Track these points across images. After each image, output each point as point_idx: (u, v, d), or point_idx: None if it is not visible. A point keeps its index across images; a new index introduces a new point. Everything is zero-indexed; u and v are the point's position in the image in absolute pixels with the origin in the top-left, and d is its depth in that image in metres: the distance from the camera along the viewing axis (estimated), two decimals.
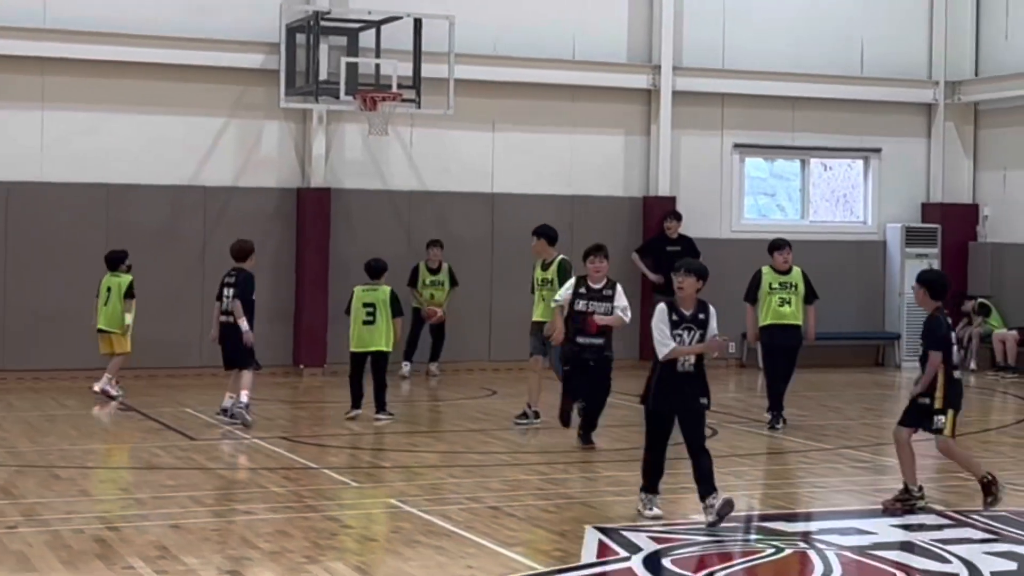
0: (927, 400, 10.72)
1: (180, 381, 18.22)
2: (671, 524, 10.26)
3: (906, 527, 10.19)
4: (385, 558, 9.37)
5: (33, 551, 9.10)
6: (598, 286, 13.04)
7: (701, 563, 9.12)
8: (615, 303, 13.02)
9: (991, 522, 10.40)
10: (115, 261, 16.68)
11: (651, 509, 10.19)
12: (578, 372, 13.25)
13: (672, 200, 21.29)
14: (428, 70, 18.66)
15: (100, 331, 16.54)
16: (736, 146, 22.06)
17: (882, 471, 12.73)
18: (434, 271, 19.42)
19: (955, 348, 10.75)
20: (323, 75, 18.58)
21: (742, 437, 14.55)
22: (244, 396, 14.35)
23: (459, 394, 18.03)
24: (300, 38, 18.83)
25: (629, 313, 13.15)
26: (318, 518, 10.31)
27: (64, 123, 18.66)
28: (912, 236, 22.60)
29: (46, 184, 18.55)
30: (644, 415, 10.17)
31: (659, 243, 20.86)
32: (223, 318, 14.54)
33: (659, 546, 9.47)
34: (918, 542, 9.70)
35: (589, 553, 9.31)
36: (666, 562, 9.07)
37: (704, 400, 9.98)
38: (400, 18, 18.65)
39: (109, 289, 16.50)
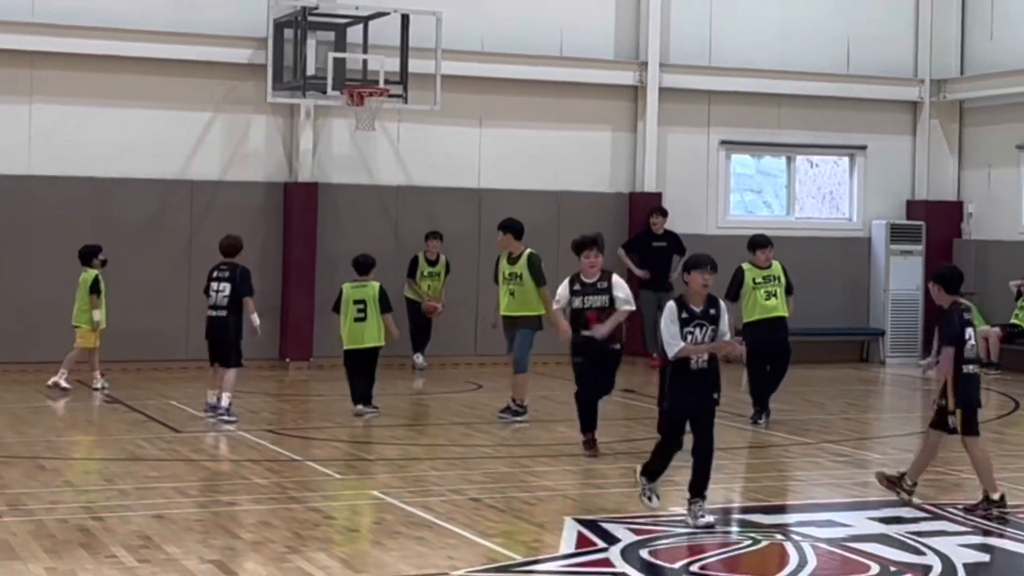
0: (943, 401, 10.65)
1: (166, 374, 18.30)
2: (651, 516, 10.36)
3: (883, 520, 10.29)
4: (367, 549, 9.47)
5: (17, 540, 9.19)
6: (592, 280, 12.68)
7: (678, 554, 9.22)
8: (614, 294, 12.66)
9: (970, 516, 10.49)
10: (86, 256, 16.67)
11: (651, 499, 10.17)
12: (590, 364, 12.87)
13: (658, 196, 21.39)
14: (415, 66, 18.74)
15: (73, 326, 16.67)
16: (722, 143, 22.16)
17: (861, 465, 12.84)
18: (432, 263, 19.51)
19: (969, 343, 10.58)
20: (310, 70, 18.65)
21: (724, 432, 14.46)
22: (226, 399, 14.30)
23: (444, 388, 18.12)
24: (288, 33, 18.90)
25: (631, 303, 12.83)
26: (301, 509, 10.40)
27: (52, 117, 18.74)
28: (897, 233, 22.73)
29: (34, 177, 18.62)
30: (660, 415, 10.03)
31: (645, 239, 20.97)
32: (213, 312, 14.49)
33: (637, 537, 9.57)
34: (894, 534, 9.79)
35: (568, 544, 9.40)
36: (643, 553, 9.16)
37: (716, 395, 9.88)
38: (387, 14, 18.73)
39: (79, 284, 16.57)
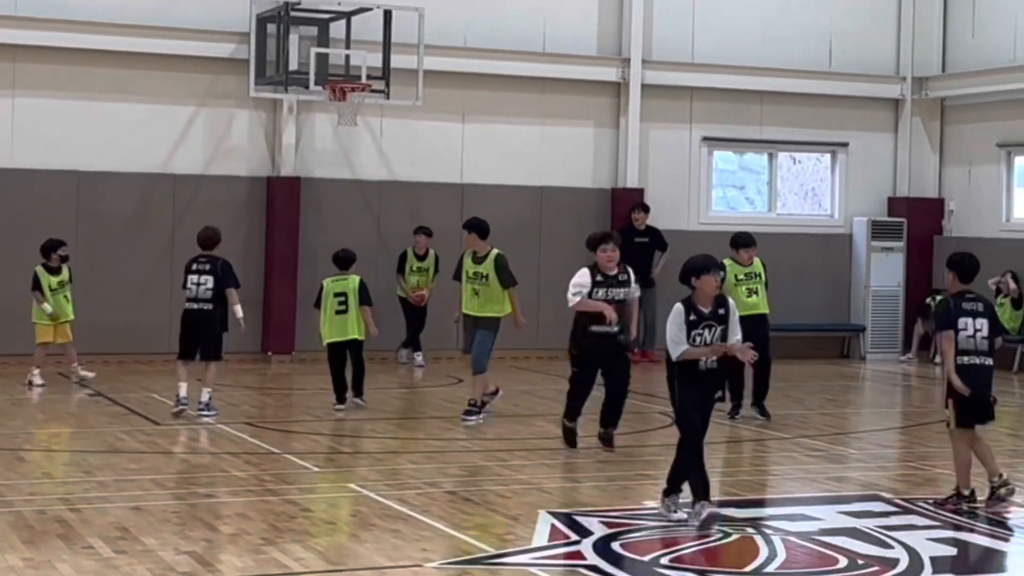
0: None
1: (148, 367, 18.34)
2: (625, 509, 10.47)
3: (854, 514, 10.39)
4: (341, 540, 9.57)
5: None
6: (613, 273, 12.44)
7: (649, 547, 9.32)
8: (632, 287, 12.57)
9: (939, 511, 10.60)
10: (44, 251, 16.60)
11: (675, 511, 9.89)
12: (590, 367, 12.59)
13: (640, 192, 21.49)
14: (398, 61, 18.83)
15: None
16: (704, 139, 22.26)
17: (836, 460, 12.94)
18: (421, 258, 19.52)
19: (963, 334, 10.37)
20: (293, 65, 18.72)
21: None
22: (207, 394, 14.26)
23: (426, 382, 18.22)
24: (271, 28, 18.97)
25: (638, 289, 12.87)
26: (278, 502, 10.48)
27: (35, 110, 18.78)
28: (878, 230, 22.85)
29: (16, 171, 18.66)
30: (676, 419, 9.95)
31: (627, 234, 20.94)
32: (194, 305, 14.29)
33: (610, 531, 9.66)
34: (863, 528, 9.90)
35: (540, 537, 9.50)
36: (615, 546, 9.26)
37: (719, 394, 9.90)
38: (370, 9, 18.81)
39: None
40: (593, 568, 8.69)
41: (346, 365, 14.97)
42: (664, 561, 8.93)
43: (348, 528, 9.97)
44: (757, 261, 15.32)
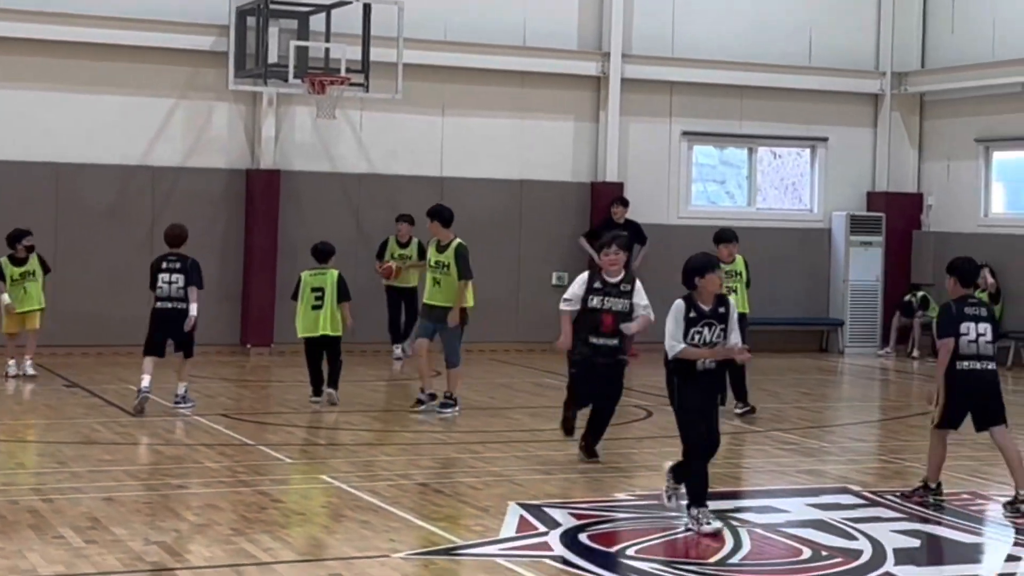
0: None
1: (127, 359, 18.31)
2: (595, 502, 10.55)
3: (821, 506, 10.48)
4: (310, 531, 9.64)
5: None
6: (615, 280, 11.59)
7: (616, 538, 9.40)
8: (635, 300, 11.62)
9: (906, 503, 10.69)
10: (9, 241, 16.51)
11: (709, 523, 9.46)
12: (585, 377, 11.89)
13: (620, 186, 21.56)
14: (378, 55, 18.87)
15: None
16: (684, 133, 22.34)
17: (807, 453, 13.03)
18: (403, 245, 19.49)
19: (966, 339, 10.27)
20: (273, 58, 18.75)
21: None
22: (183, 387, 14.28)
23: (404, 375, 18.27)
24: (251, 21, 19.01)
25: (651, 312, 11.71)
26: (249, 492, 10.54)
27: (14, 102, 18.81)
28: (857, 224, 22.95)
29: None
30: (677, 420, 9.76)
31: (606, 228, 21.08)
32: (168, 304, 14.19)
33: (578, 522, 9.74)
34: (829, 520, 9.98)
35: (509, 528, 9.56)
36: (582, 537, 9.33)
37: (720, 395, 9.74)
38: (350, 2, 18.85)
39: None
40: (559, 559, 8.75)
41: (323, 359, 14.95)
42: (630, 552, 9.00)
43: (318, 519, 10.04)
44: (739, 259, 15.27)
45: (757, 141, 22.94)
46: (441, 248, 14.41)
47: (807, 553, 9.03)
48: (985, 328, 10.34)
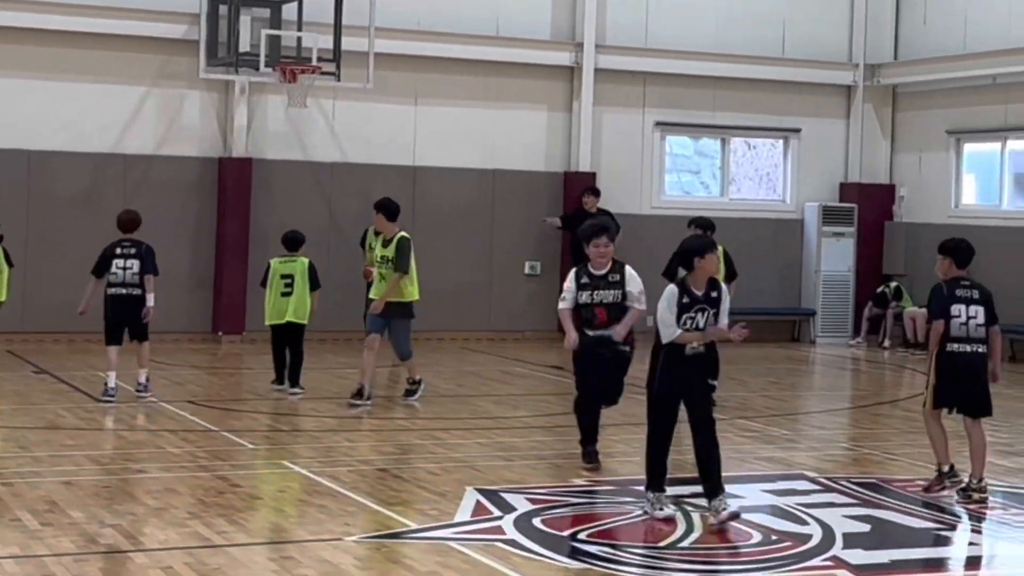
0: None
1: (97, 347, 18.21)
2: (552, 487, 10.63)
3: (776, 492, 10.58)
4: (266, 515, 9.73)
5: None
6: (602, 272, 11.04)
7: (569, 523, 9.49)
8: (628, 288, 11.04)
9: (859, 489, 10.81)
10: None
11: (661, 509, 9.52)
12: (589, 366, 11.26)
13: (592, 176, 21.63)
14: (350, 44, 18.92)
15: None
16: (657, 124, 22.41)
17: (768, 441, 13.11)
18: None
19: (959, 320, 10.21)
20: (245, 47, 18.78)
21: (639, 407, 14.80)
22: (144, 374, 14.14)
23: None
24: (223, 9, 19.03)
25: (644, 299, 11.10)
26: (209, 477, 10.61)
27: None
28: (829, 215, 23.05)
29: None
30: (648, 402, 9.65)
31: (578, 217, 21.17)
32: (122, 290, 14.02)
33: (533, 507, 9.82)
34: (783, 506, 10.09)
35: (464, 513, 9.65)
36: (536, 521, 9.41)
37: (713, 381, 9.51)
38: None
39: None
40: (511, 543, 8.83)
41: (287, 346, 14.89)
42: (582, 536, 9.09)
43: (274, 503, 10.13)
44: (719, 250, 15.12)
45: (730, 132, 23.02)
46: (386, 242, 14.22)
47: (757, 537, 9.13)
48: (976, 311, 10.21)
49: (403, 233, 14.27)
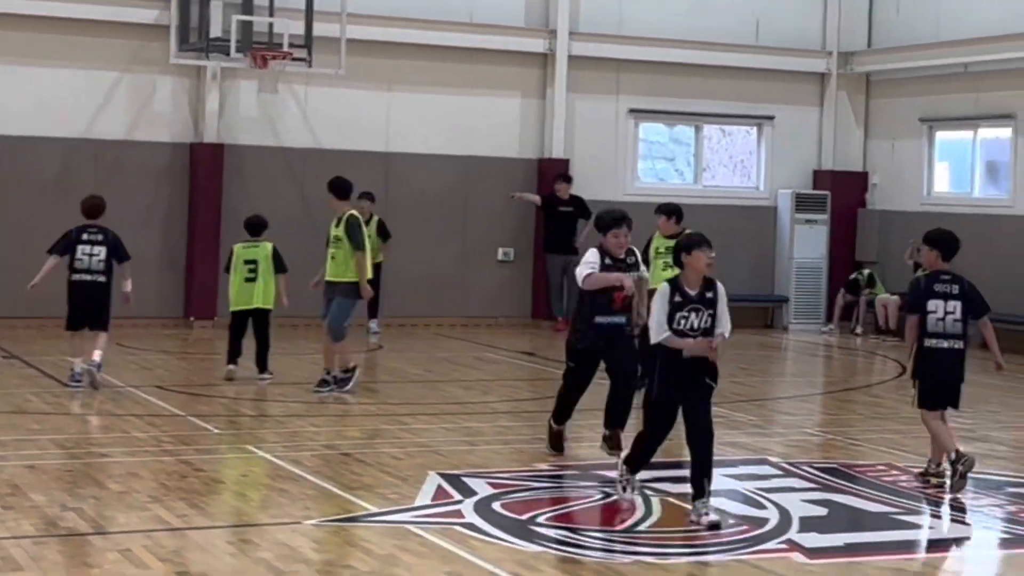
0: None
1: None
2: (514, 472, 10.68)
3: (737, 477, 10.65)
4: (227, 499, 9.78)
5: None
6: (622, 256, 11.02)
7: (528, 506, 9.52)
8: (640, 272, 11.24)
9: (819, 473, 10.89)
10: None
11: (631, 492, 9.60)
12: (585, 372, 11.23)
13: (566, 162, 21.68)
14: (322, 30, 18.95)
15: None
16: (631, 111, 22.45)
17: (733, 426, 13.16)
18: (365, 222, 19.51)
19: (934, 316, 10.16)
20: (216, 32, 18.78)
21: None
22: (99, 355, 13.86)
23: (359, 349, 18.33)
24: None
25: (647, 274, 11.58)
26: (172, 461, 10.65)
27: None
28: (802, 202, 23.13)
29: None
30: (644, 405, 9.41)
31: (551, 204, 21.28)
32: (87, 277, 13.92)
33: (494, 491, 9.88)
34: (742, 490, 10.17)
35: (424, 497, 9.70)
36: (496, 505, 9.47)
37: (711, 382, 9.25)
38: None
39: None
40: (469, 526, 8.89)
41: (245, 334, 14.76)
42: (541, 520, 9.14)
43: (236, 487, 10.18)
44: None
45: (703, 119, 23.07)
46: (338, 222, 14.06)
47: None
48: (954, 306, 10.12)
49: (351, 211, 14.09)
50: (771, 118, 23.30)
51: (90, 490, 9.60)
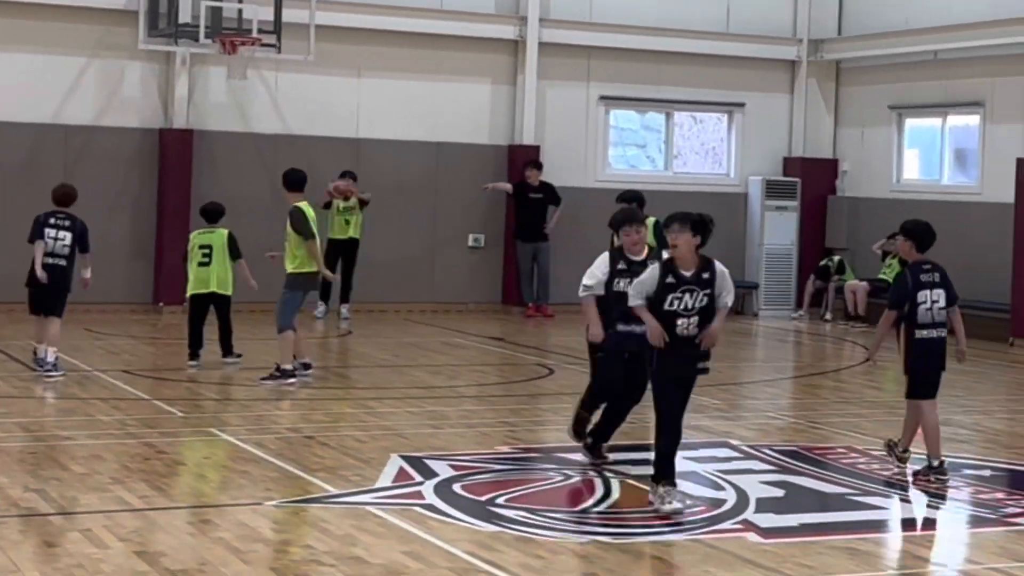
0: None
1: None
2: (477, 454, 10.75)
3: (698, 459, 10.72)
4: (188, 480, 9.83)
5: None
6: (640, 258, 10.17)
7: (488, 488, 9.59)
8: None
9: (779, 456, 10.98)
10: None
11: (671, 503, 8.95)
12: (614, 361, 10.32)
13: (536, 149, 21.73)
14: (292, 16, 18.97)
15: None
16: (602, 98, 22.50)
17: (697, 410, 12.99)
18: (346, 199, 19.62)
19: (922, 307, 10.08)
20: (186, 18, 18.75)
21: (574, 377, 14.98)
22: (52, 353, 13.73)
23: (312, 333, 18.36)
24: None
25: None
26: (135, 444, 10.70)
27: None
28: (772, 189, 23.22)
29: None
30: (653, 392, 9.20)
31: (522, 191, 21.34)
32: (49, 259, 13.84)
33: (455, 473, 9.95)
34: (702, 472, 10.24)
35: (386, 478, 9.76)
36: (456, 487, 9.54)
37: (702, 366, 9.10)
38: None
39: None
40: (428, 507, 8.95)
41: (205, 320, 14.71)
42: (500, 501, 9.21)
43: (198, 469, 10.22)
44: (648, 222, 15.02)
45: (674, 106, 23.13)
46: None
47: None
48: (939, 295, 10.13)
49: (295, 203, 13.91)
50: (741, 105, 23.38)
51: (53, 472, 9.64)
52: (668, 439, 9.10)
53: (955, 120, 21.97)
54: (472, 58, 21.55)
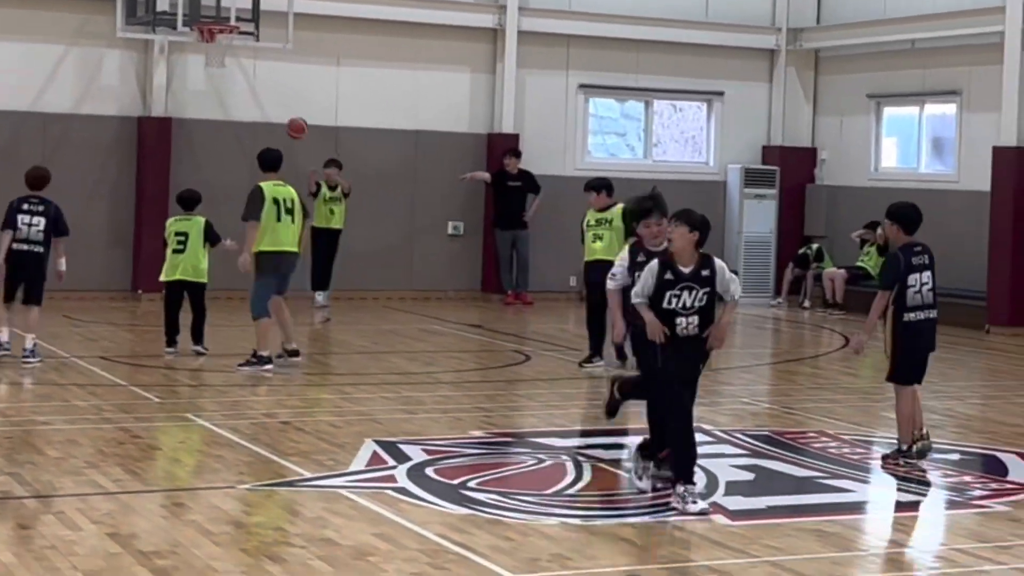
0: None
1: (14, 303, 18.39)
2: (450, 439, 10.82)
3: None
4: (163, 464, 9.88)
5: None
6: (661, 250, 9.52)
7: (460, 472, 9.65)
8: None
9: (751, 440, 11.06)
10: None
11: (694, 503, 8.67)
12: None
13: (515, 137, 21.78)
14: (271, 4, 18.99)
15: None
16: (581, 86, 22.56)
17: None
18: (332, 188, 19.67)
19: (913, 289, 10.06)
20: (164, 5, 18.75)
21: (551, 364, 15.11)
22: (31, 340, 13.70)
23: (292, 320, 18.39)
24: None
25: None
26: (111, 429, 10.74)
27: None
28: (751, 177, 23.32)
29: None
30: (663, 392, 9.05)
31: (501, 179, 21.40)
32: (24, 246, 13.70)
33: (428, 457, 10.01)
34: None
35: (359, 462, 9.83)
36: (428, 471, 9.60)
37: (702, 364, 9.08)
38: None
39: None
40: (400, 490, 9.01)
41: (181, 307, 14.68)
42: (472, 484, 9.27)
43: (172, 454, 10.28)
44: (616, 209, 14.95)
45: (653, 95, 23.20)
46: None
47: (644, 484, 9.33)
48: (928, 277, 10.15)
49: (259, 183, 13.90)
50: (721, 94, 23.46)
51: (28, 456, 9.68)
52: (684, 440, 8.89)
53: (932, 109, 22.08)
54: (451, 46, 21.60)
